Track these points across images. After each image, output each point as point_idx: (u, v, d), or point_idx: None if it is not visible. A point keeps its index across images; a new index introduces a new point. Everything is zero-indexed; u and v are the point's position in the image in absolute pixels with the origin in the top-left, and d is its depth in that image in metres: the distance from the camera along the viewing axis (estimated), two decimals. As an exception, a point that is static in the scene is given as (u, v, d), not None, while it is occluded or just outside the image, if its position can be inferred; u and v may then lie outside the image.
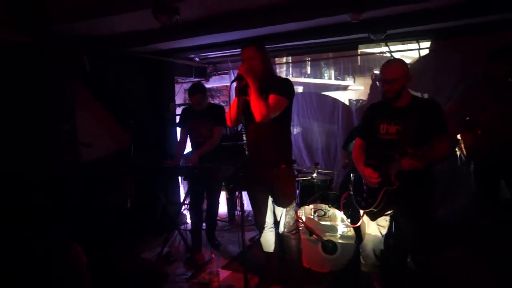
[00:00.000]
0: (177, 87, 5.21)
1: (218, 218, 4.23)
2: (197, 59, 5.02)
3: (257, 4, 2.83)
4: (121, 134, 4.16)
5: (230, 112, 2.59)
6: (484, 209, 3.17)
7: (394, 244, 2.74)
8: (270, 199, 2.79)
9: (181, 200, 4.14)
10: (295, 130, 4.95)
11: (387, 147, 2.33)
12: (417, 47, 4.36)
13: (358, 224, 2.70)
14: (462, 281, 2.93)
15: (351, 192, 2.63)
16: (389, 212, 2.46)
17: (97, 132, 3.75)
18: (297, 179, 3.75)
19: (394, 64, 2.34)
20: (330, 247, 3.10)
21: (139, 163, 3.88)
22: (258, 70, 2.52)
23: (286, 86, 2.59)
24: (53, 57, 3.08)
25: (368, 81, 4.62)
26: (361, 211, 2.56)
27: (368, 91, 4.64)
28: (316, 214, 3.16)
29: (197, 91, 3.59)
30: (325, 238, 3.11)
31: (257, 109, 2.42)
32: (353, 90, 4.75)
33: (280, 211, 2.73)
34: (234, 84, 2.51)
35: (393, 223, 2.53)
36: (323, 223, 3.13)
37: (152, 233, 4.16)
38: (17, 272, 2.01)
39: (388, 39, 4.20)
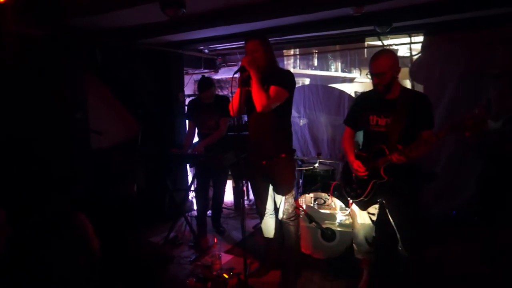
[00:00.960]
0: (186, 78, 5.34)
1: (224, 206, 4.37)
2: (206, 50, 5.12)
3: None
4: (131, 123, 4.33)
5: (233, 102, 2.70)
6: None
7: (385, 231, 2.80)
8: (270, 187, 2.91)
9: (189, 188, 4.28)
10: (301, 122, 5.03)
11: (377, 140, 2.36)
12: (422, 40, 4.36)
13: (348, 211, 2.79)
14: (456, 273, 3.01)
15: (339, 182, 2.70)
16: (377, 201, 2.53)
17: (108, 121, 3.92)
18: (300, 168, 3.86)
19: (381, 57, 2.31)
20: (329, 234, 3.21)
21: (147, 151, 4.05)
22: (261, 62, 2.62)
23: (287, 78, 2.68)
24: (66, 49, 3.23)
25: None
26: (350, 201, 2.64)
27: (373, 83, 4.67)
28: (316, 202, 3.26)
29: (209, 86, 3.67)
30: (324, 226, 3.22)
31: (258, 99, 2.52)
32: (359, 83, 4.79)
33: (280, 199, 2.84)
34: (237, 75, 2.62)
35: (383, 211, 2.58)
36: (322, 211, 3.24)
37: (161, 219, 4.33)
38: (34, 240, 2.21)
39: (394, 32, 4.22)
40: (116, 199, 3.35)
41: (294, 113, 5.08)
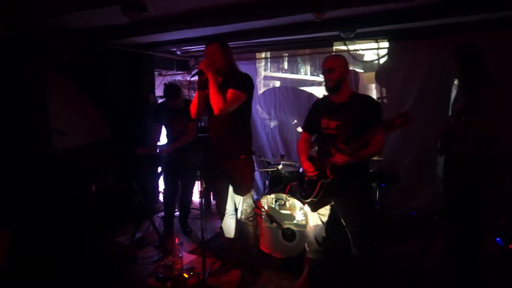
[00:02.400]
0: (159, 79, 5.38)
1: (193, 206, 4.41)
2: (178, 52, 5.15)
3: (223, 3, 2.97)
4: (100, 124, 4.34)
5: (192, 105, 2.77)
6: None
7: (335, 231, 2.86)
8: (231, 187, 2.97)
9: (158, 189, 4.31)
10: (272, 124, 5.12)
11: (328, 142, 2.45)
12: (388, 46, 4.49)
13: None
14: (415, 270, 3.14)
15: (294, 184, 2.78)
16: (329, 202, 2.60)
17: (74, 122, 3.92)
18: (265, 170, 3.94)
19: (333, 56, 2.54)
20: (289, 234, 3.28)
21: (116, 152, 4.06)
22: (219, 66, 2.68)
23: (245, 81, 2.75)
24: (28, 49, 3.22)
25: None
26: (304, 201, 2.72)
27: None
28: (277, 203, 3.34)
29: (176, 95, 3.68)
30: (284, 226, 3.29)
31: (215, 102, 2.58)
32: (327, 86, 4.89)
33: (239, 199, 2.90)
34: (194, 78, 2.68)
35: (334, 212, 2.66)
36: (283, 211, 3.31)
37: (131, 219, 4.33)
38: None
39: (359, 37, 4.35)
40: (75, 199, 3.34)
41: (265, 115, 5.17)
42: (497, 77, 2.71)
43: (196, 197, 4.71)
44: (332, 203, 2.58)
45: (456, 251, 2.88)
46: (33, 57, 3.27)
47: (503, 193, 3.80)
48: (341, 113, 2.41)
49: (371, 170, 3.97)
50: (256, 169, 4.88)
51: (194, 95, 5.50)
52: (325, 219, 2.61)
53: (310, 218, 2.66)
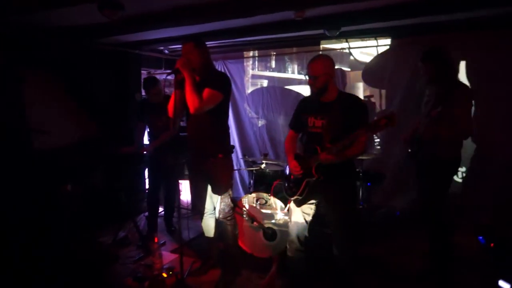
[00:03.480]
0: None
1: (181, 206, 4.40)
2: (166, 51, 5.14)
3: (202, 1, 2.95)
4: (87, 123, 4.32)
5: (169, 104, 2.75)
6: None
7: (318, 231, 2.87)
8: (209, 187, 2.95)
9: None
10: (260, 123, 5.10)
11: (314, 140, 2.45)
12: (380, 44, 4.47)
13: (286, 209, 2.85)
14: (396, 269, 3.13)
15: (281, 181, 2.77)
16: (313, 200, 2.60)
17: (59, 121, 3.90)
18: (250, 169, 3.93)
19: (317, 61, 2.42)
20: (270, 233, 3.27)
21: (103, 151, 4.05)
22: (195, 65, 2.66)
23: (222, 80, 2.73)
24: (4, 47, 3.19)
25: (329, 76, 4.74)
26: (289, 199, 2.72)
27: (329, 85, 4.77)
28: (258, 202, 3.33)
29: (153, 83, 3.68)
30: (266, 225, 3.28)
31: (191, 102, 2.57)
32: (314, 85, 4.87)
33: (216, 198, 2.89)
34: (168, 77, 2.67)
35: (318, 212, 2.65)
36: (264, 211, 3.30)
37: (117, 219, 4.32)
38: None
39: (345, 36, 4.33)
40: (51, 199, 3.33)
41: (253, 114, 5.16)
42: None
43: (185, 196, 4.72)
44: (315, 201, 2.57)
45: (432, 250, 2.88)
46: (7, 56, 3.24)
47: (487, 193, 3.82)
48: (328, 112, 2.39)
49: (357, 169, 3.97)
50: (242, 167, 4.91)
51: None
52: (309, 218, 2.59)
53: (294, 216, 2.64)
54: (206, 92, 2.60)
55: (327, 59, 2.47)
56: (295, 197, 2.54)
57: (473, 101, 2.78)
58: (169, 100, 3.81)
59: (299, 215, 2.65)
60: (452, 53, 2.99)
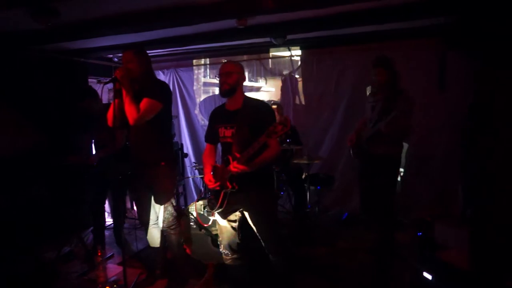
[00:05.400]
0: (98, 87, 5.19)
1: (134, 217, 4.28)
2: (115, 59, 5.04)
3: (142, 8, 2.93)
4: (30, 133, 4.13)
5: (108, 114, 2.69)
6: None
7: (248, 235, 2.81)
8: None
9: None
10: (213, 130, 5.10)
11: (226, 151, 2.42)
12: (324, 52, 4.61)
13: (209, 223, 2.82)
14: (341, 268, 3.22)
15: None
16: (237, 209, 2.51)
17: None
18: (200, 176, 3.91)
19: (233, 62, 2.50)
20: (218, 240, 3.25)
21: (47, 162, 3.89)
22: (135, 74, 2.63)
23: (161, 90, 2.71)
24: None
25: (279, 83, 4.85)
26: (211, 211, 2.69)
27: (279, 92, 4.88)
28: (206, 209, 3.32)
29: (85, 95, 3.59)
30: (213, 233, 3.27)
31: (129, 112, 2.53)
32: (265, 92, 4.97)
33: (159, 207, 2.85)
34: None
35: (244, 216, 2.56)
36: (211, 218, 3.29)
37: (62, 233, 4.15)
38: None
39: (291, 44, 4.45)
40: None
41: (206, 122, 5.16)
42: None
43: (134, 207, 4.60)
44: (241, 209, 2.51)
45: (375, 248, 2.99)
46: None
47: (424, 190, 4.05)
48: (235, 121, 2.37)
49: (308, 173, 4.05)
50: (196, 175, 4.89)
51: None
52: (235, 224, 2.55)
53: (220, 227, 2.59)
54: (145, 102, 2.57)
55: (241, 65, 2.53)
56: (216, 209, 2.46)
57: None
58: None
59: (226, 224, 2.56)
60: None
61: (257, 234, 2.47)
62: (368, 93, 3.32)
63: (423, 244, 2.97)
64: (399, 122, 2.66)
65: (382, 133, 2.78)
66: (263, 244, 2.50)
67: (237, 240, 2.56)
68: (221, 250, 2.65)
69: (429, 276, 2.39)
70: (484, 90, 2.62)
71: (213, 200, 2.44)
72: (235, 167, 2.20)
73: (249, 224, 2.49)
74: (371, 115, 3.01)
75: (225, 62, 2.53)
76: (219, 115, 2.54)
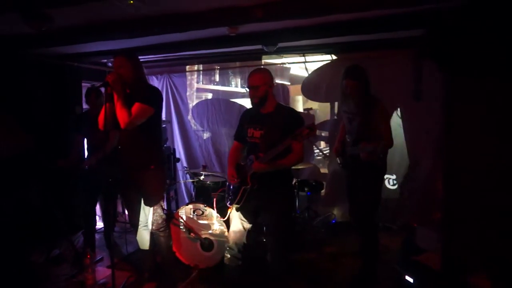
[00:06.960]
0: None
1: (125, 220, 4.29)
2: (110, 64, 5.08)
3: (132, 16, 2.99)
4: (21, 136, 4.14)
5: (100, 117, 2.74)
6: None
7: (256, 239, 2.95)
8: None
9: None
10: (205, 135, 5.16)
11: (251, 150, 2.57)
12: (316, 60, 4.69)
13: (226, 218, 2.91)
14: (326, 273, 3.26)
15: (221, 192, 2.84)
16: (253, 207, 2.63)
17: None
18: (190, 180, 3.95)
19: (257, 73, 2.57)
20: (207, 244, 3.30)
21: (40, 165, 3.90)
22: (127, 79, 2.69)
23: (153, 94, 2.77)
24: None
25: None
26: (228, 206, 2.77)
27: (271, 99, 4.93)
28: (195, 213, 3.35)
29: (99, 94, 3.65)
30: (203, 236, 3.31)
31: (120, 117, 2.59)
32: (257, 98, 5.02)
33: (149, 210, 2.88)
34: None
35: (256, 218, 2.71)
36: (201, 221, 3.34)
37: (52, 236, 4.15)
38: None
39: (284, 51, 4.52)
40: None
41: (198, 127, 5.21)
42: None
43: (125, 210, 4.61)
44: (254, 208, 2.63)
45: (362, 251, 3.04)
46: None
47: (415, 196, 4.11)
48: (266, 123, 2.51)
49: (299, 179, 4.11)
50: (187, 179, 4.91)
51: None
52: (247, 225, 2.64)
53: (233, 223, 2.68)
54: (136, 106, 2.62)
55: (266, 71, 2.63)
56: (234, 205, 2.62)
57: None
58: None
59: (237, 223, 2.69)
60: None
61: (267, 233, 2.56)
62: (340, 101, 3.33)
63: (405, 248, 3.03)
64: (377, 152, 2.71)
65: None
66: (269, 244, 2.60)
67: (244, 241, 2.64)
68: (228, 245, 2.74)
69: (410, 280, 2.45)
70: (447, 96, 2.71)
71: (232, 196, 2.60)
72: (257, 165, 2.35)
73: (258, 229, 2.58)
74: (349, 127, 3.05)
75: (252, 72, 2.57)
76: (250, 116, 2.67)
